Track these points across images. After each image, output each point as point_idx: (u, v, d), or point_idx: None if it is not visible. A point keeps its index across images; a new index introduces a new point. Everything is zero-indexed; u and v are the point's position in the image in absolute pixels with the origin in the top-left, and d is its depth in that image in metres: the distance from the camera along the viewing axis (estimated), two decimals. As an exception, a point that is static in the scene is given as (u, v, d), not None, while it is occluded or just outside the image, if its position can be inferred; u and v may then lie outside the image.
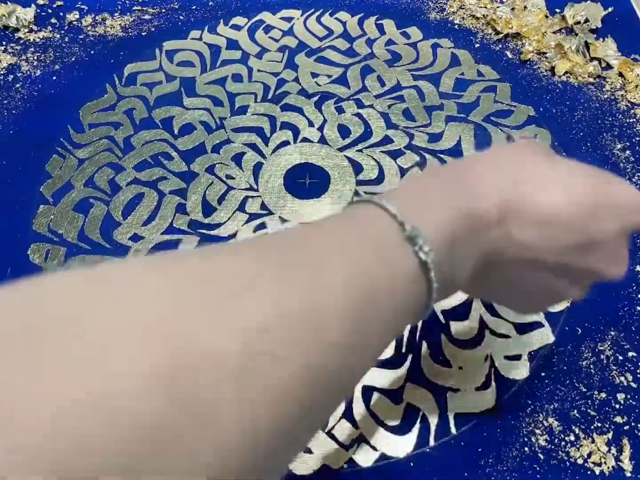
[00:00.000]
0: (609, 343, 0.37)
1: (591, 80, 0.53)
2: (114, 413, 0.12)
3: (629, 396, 0.35)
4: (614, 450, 0.33)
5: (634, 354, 0.37)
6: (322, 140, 0.48)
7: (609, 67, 0.54)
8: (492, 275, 0.23)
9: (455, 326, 0.38)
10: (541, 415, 0.35)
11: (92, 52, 0.55)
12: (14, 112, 0.50)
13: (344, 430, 0.34)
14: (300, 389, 0.15)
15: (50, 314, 0.13)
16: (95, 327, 0.13)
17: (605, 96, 0.51)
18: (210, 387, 0.13)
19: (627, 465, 0.33)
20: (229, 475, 0.13)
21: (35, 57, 0.55)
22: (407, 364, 0.36)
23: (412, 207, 0.20)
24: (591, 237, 0.22)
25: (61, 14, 0.59)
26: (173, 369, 0.12)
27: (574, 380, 0.36)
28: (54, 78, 0.53)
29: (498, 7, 0.58)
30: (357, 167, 0.46)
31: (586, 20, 0.57)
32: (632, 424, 0.34)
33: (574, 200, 0.22)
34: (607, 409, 0.35)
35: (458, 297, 0.39)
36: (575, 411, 0.35)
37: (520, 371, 0.36)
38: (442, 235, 0.19)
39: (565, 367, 0.36)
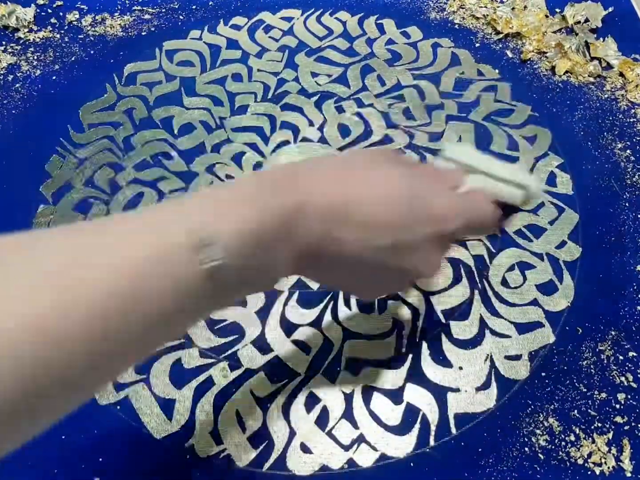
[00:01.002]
0: (609, 343, 0.37)
1: (591, 79, 0.52)
2: None
3: (629, 396, 0.35)
4: (614, 451, 0.33)
5: (634, 354, 0.37)
6: (323, 140, 0.48)
7: (609, 66, 0.54)
8: (321, 266, 0.25)
9: (455, 326, 0.38)
10: (541, 415, 0.35)
11: (92, 52, 0.55)
12: (13, 112, 0.50)
13: (344, 430, 0.34)
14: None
15: None
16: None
17: (606, 96, 0.51)
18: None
19: (627, 465, 0.33)
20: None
21: (35, 57, 0.55)
22: (407, 364, 0.36)
23: (221, 209, 0.21)
24: (404, 241, 0.25)
25: (61, 13, 0.59)
26: None
27: (574, 380, 0.36)
28: (54, 78, 0.53)
29: (498, 6, 0.58)
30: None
31: (586, 20, 0.57)
32: (633, 424, 0.34)
33: (391, 209, 0.24)
34: (607, 409, 0.35)
35: (458, 297, 0.39)
36: (576, 411, 0.35)
37: (520, 371, 0.36)
38: (247, 238, 0.21)
39: (565, 367, 0.36)
